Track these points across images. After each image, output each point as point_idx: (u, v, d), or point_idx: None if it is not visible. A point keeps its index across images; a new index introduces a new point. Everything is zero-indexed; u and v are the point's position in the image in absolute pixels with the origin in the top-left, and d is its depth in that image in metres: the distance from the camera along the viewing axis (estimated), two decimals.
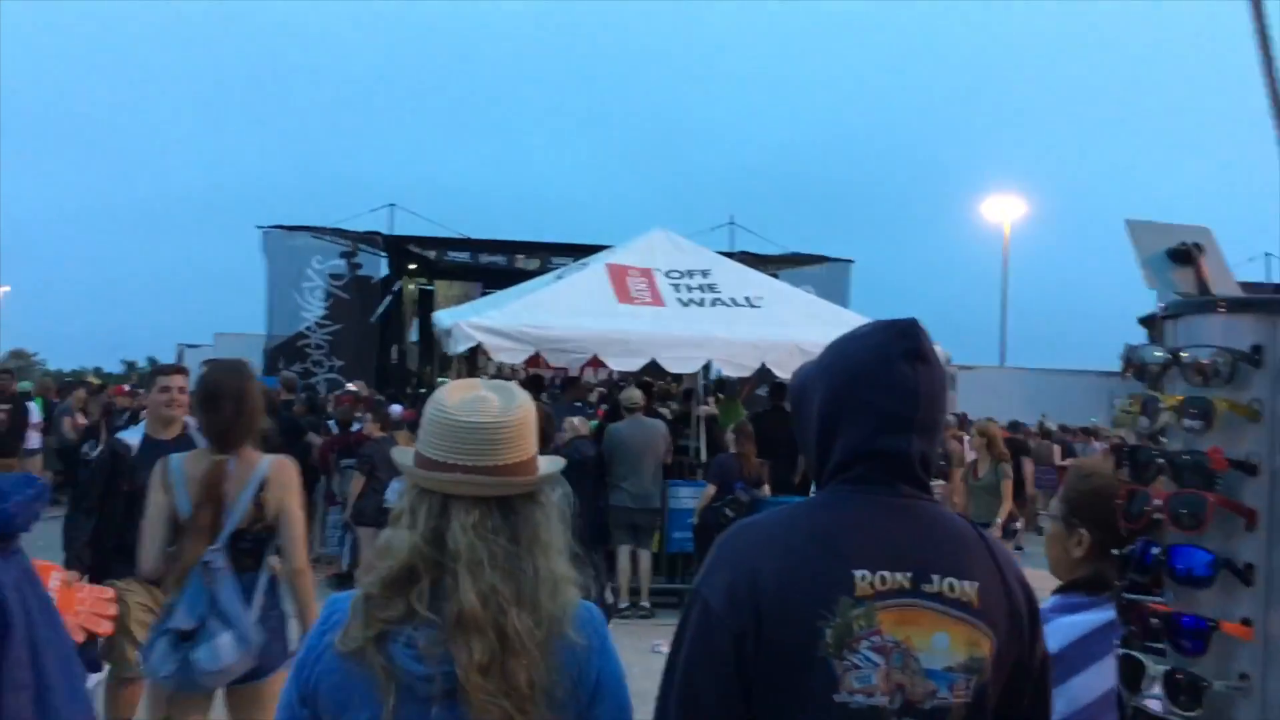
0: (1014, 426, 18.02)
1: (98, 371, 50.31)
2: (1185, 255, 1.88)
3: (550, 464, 1.86)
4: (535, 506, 1.79)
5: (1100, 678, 2.03)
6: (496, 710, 1.65)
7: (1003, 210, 36.75)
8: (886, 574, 1.61)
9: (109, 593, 4.07)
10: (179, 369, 5.44)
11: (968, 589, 1.63)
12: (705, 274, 11.05)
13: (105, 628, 4.06)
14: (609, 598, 8.15)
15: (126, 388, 12.53)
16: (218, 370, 4.01)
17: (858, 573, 1.60)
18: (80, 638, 4.04)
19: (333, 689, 1.70)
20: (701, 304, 10.50)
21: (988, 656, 1.62)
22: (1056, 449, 18.18)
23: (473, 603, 1.66)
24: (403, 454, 1.83)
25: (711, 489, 9.61)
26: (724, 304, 10.52)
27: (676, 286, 10.71)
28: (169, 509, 3.73)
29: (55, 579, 4.15)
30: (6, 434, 12.89)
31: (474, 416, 1.75)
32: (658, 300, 10.44)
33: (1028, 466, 15.87)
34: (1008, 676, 1.67)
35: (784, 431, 11.11)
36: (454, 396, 1.79)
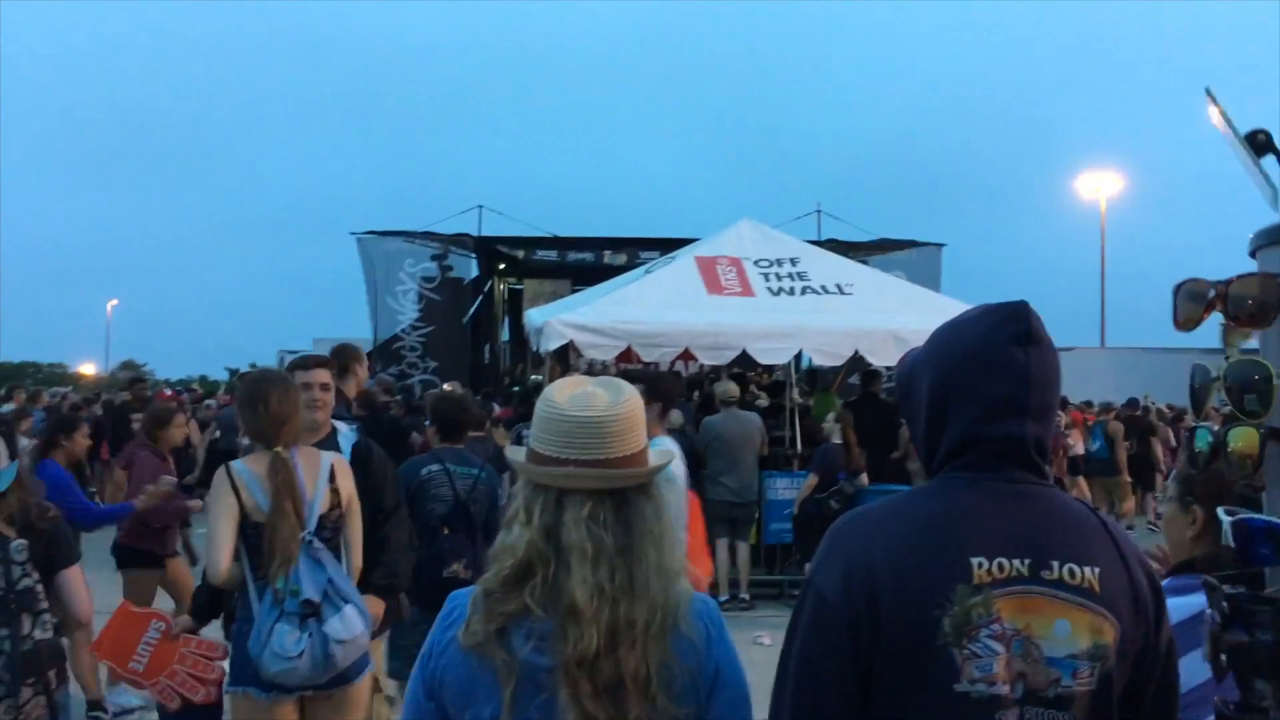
0: (1131, 404, 17.56)
1: (203, 380, 51.89)
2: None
3: (660, 457, 1.88)
4: (647, 499, 1.81)
5: (1202, 664, 1.98)
6: (591, 704, 1.67)
7: (1098, 186, 35.79)
8: (1004, 561, 1.58)
9: (218, 650, 3.95)
10: (321, 360, 4.92)
11: (1088, 575, 1.60)
12: (794, 262, 10.95)
13: (201, 695, 3.89)
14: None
15: (167, 391, 12.06)
16: (255, 376, 4.07)
17: (974, 560, 1.58)
18: (172, 704, 3.91)
19: (458, 682, 1.74)
20: (792, 293, 10.42)
21: (1111, 643, 1.59)
22: (1169, 430, 17.62)
23: (582, 596, 1.68)
24: (516, 451, 1.86)
25: (813, 479, 9.55)
26: (814, 292, 10.41)
27: (766, 276, 10.64)
28: (239, 511, 3.63)
29: (155, 629, 4.09)
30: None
31: (584, 411, 1.77)
32: (748, 290, 10.39)
33: (1157, 448, 15.44)
34: (1133, 663, 1.63)
35: (878, 419, 11.01)
36: (564, 393, 1.82)
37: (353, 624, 3.57)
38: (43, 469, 5.99)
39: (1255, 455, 1.26)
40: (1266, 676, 1.15)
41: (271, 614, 3.54)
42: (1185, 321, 1.50)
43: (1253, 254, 1.47)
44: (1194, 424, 1.46)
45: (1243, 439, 1.24)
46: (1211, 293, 1.40)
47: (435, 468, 5.15)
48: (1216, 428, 1.38)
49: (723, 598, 9.43)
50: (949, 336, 1.76)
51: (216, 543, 3.62)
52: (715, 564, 9.54)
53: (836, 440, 9.83)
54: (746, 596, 9.60)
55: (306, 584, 3.54)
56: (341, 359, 5.99)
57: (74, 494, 6.06)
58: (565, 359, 12.85)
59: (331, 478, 3.80)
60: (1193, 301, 1.48)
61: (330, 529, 3.76)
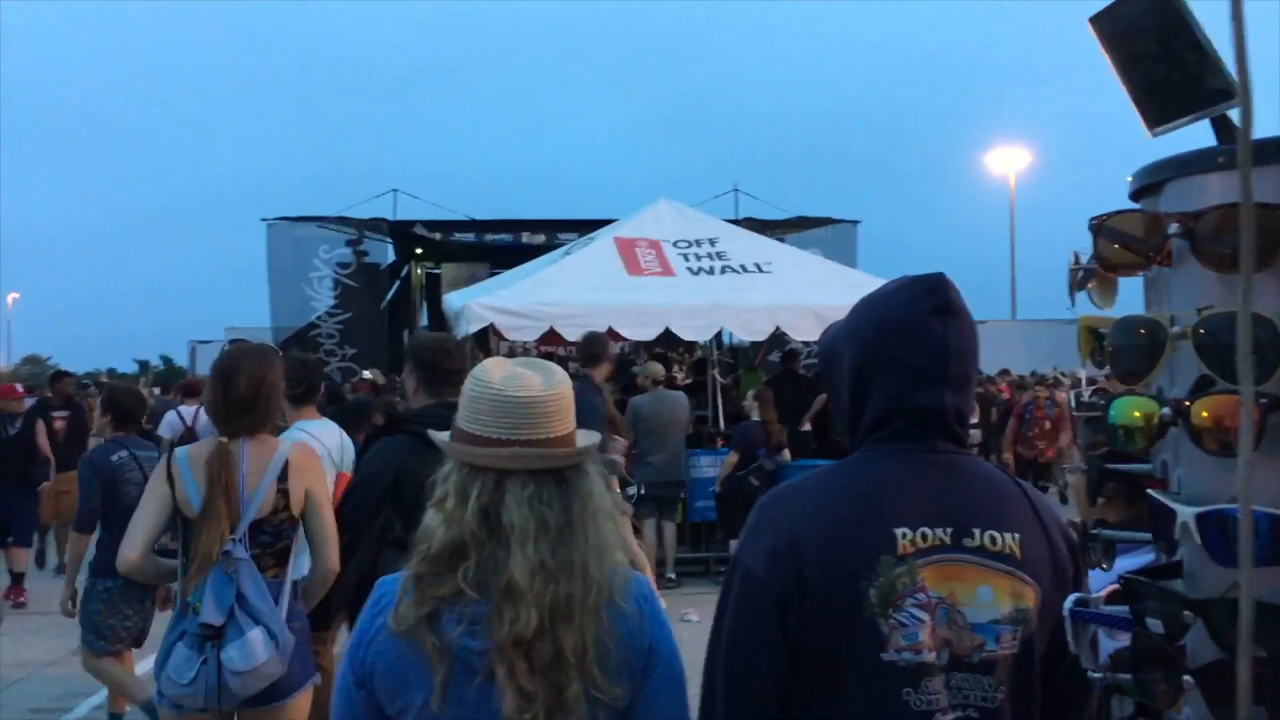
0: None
1: (111, 372, 50.48)
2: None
3: (587, 436, 1.87)
4: (584, 476, 1.81)
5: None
6: (526, 682, 1.66)
7: (1007, 162, 36.52)
8: (927, 530, 1.61)
9: None
10: None
11: (1009, 541, 1.63)
12: (713, 242, 11.03)
13: None
14: None
15: (19, 387, 11.27)
16: (237, 348, 3.73)
17: (898, 530, 1.60)
18: None
19: (388, 669, 1.72)
20: (711, 272, 10.50)
21: (1033, 607, 1.62)
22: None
23: (522, 575, 1.67)
24: (439, 435, 1.83)
25: (734, 457, 9.63)
26: (734, 271, 10.50)
27: (685, 256, 10.71)
28: (169, 500, 3.40)
29: None
30: (66, 445, 11.13)
31: (521, 391, 1.76)
32: (668, 270, 10.44)
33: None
34: (1053, 626, 1.67)
35: (798, 395, 11.16)
36: (495, 373, 1.80)
37: (253, 653, 3.21)
38: None
39: (1146, 429, 1.17)
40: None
41: (175, 630, 3.32)
42: (1113, 266, 1.28)
43: (1134, 195, 1.30)
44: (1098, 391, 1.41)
45: (1137, 410, 1.15)
46: (1174, 226, 1.13)
47: (124, 454, 5.68)
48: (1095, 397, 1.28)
49: (649, 577, 9.49)
50: (869, 309, 1.78)
51: (132, 529, 3.42)
52: (642, 543, 9.61)
53: (756, 418, 9.93)
54: (673, 575, 9.65)
55: (208, 603, 3.24)
56: (592, 348, 7.24)
57: None
58: (485, 342, 12.77)
59: (283, 476, 3.47)
60: (1135, 238, 1.24)
61: (271, 533, 3.45)
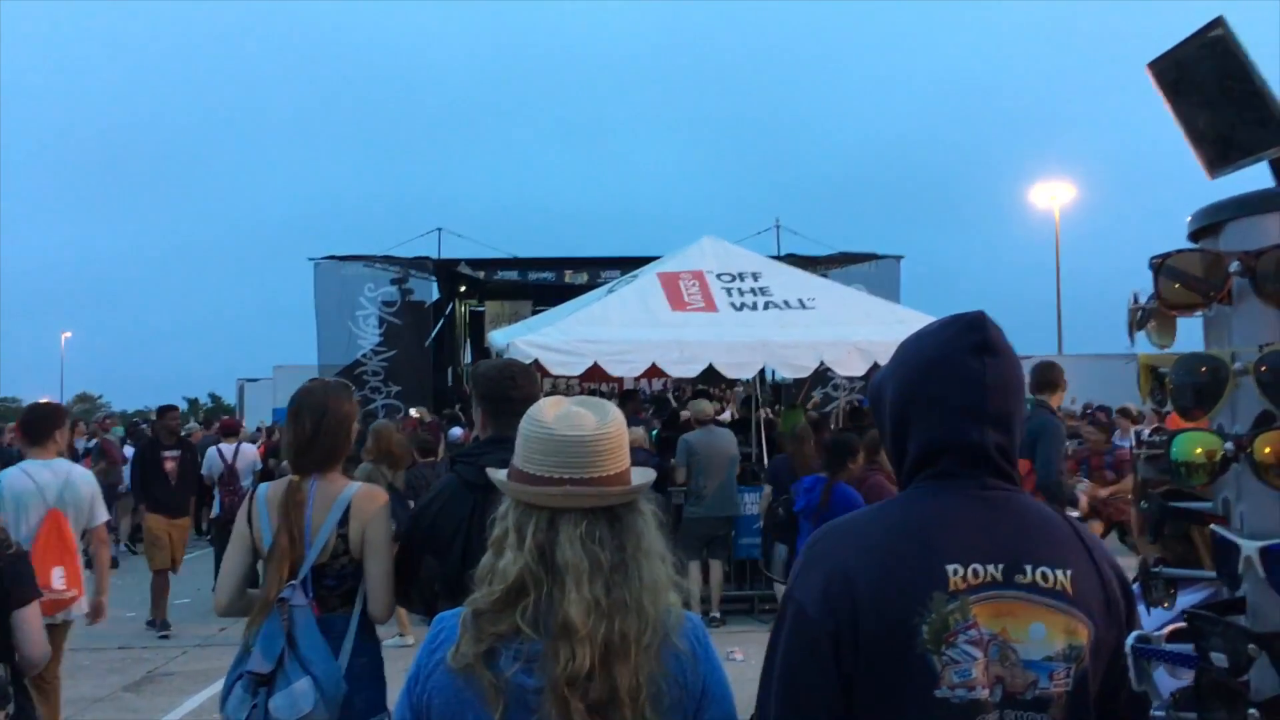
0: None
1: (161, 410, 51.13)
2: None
3: (642, 474, 1.88)
4: (637, 515, 1.82)
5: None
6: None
7: (1052, 196, 36.28)
8: (979, 567, 1.60)
9: None
10: None
11: (1061, 577, 1.62)
12: (756, 277, 11.02)
13: None
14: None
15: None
16: (311, 384, 3.68)
17: (949, 567, 1.60)
18: None
19: (445, 704, 1.74)
20: (755, 308, 10.48)
21: (1086, 644, 1.61)
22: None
23: (578, 613, 1.68)
24: (497, 473, 1.86)
25: (768, 490, 9.59)
26: (777, 306, 10.48)
27: (729, 290, 10.69)
28: (250, 540, 3.43)
29: None
30: (179, 488, 10.57)
31: (574, 430, 1.78)
32: (711, 305, 10.43)
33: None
34: (1107, 663, 1.66)
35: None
36: (550, 412, 1.83)
37: (299, 703, 3.18)
38: None
39: (1208, 466, 1.15)
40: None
41: (235, 670, 3.32)
42: (1174, 305, 1.26)
43: (1193, 236, 1.31)
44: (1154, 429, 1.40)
45: (1200, 446, 1.14)
46: (1235, 264, 1.12)
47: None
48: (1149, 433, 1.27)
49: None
50: (910, 348, 1.80)
51: (222, 572, 3.49)
52: (689, 581, 9.55)
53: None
54: (718, 614, 9.60)
55: (257, 651, 3.25)
56: (1048, 374, 6.90)
57: None
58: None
59: (344, 520, 3.42)
60: (1195, 277, 1.21)
61: (335, 577, 3.42)
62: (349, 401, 3.64)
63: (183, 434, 11.82)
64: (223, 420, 14.23)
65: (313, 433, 3.46)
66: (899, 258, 20.38)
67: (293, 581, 3.32)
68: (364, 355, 19.13)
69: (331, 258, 19.63)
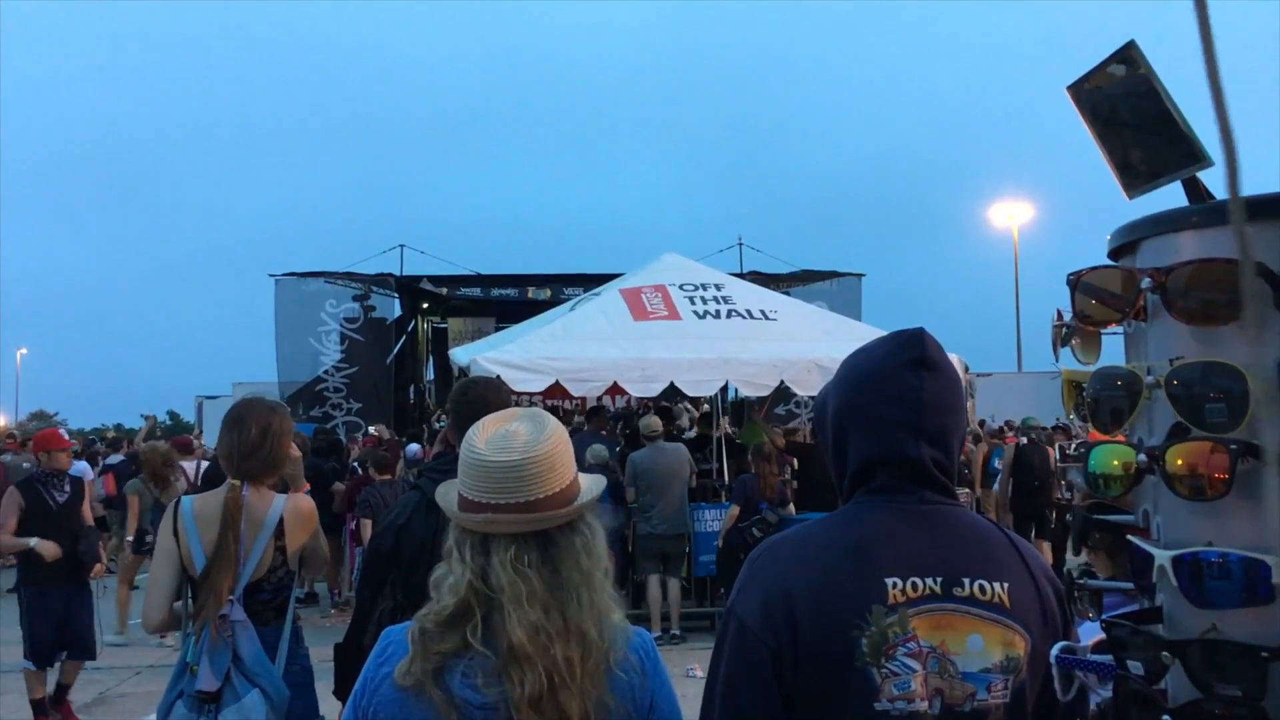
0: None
1: (119, 428, 50.55)
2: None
3: (594, 484, 1.88)
4: (574, 536, 1.80)
5: None
6: None
7: (1010, 215, 36.70)
8: (917, 580, 1.62)
9: None
10: None
11: (998, 590, 1.64)
12: (719, 287, 11.09)
13: None
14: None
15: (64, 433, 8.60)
16: (251, 399, 3.76)
17: (889, 581, 1.61)
18: None
19: (391, 719, 1.73)
20: (718, 315, 10.49)
21: (1023, 655, 1.63)
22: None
23: (520, 637, 1.67)
24: (445, 494, 1.86)
25: (735, 510, 9.59)
26: (740, 315, 10.50)
27: (691, 299, 10.72)
28: (177, 555, 3.41)
29: None
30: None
31: (501, 455, 1.76)
32: (674, 313, 10.45)
33: None
34: (1045, 674, 1.67)
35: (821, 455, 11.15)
36: (485, 433, 1.81)
37: (251, 716, 3.23)
38: None
39: (1124, 477, 1.17)
40: None
41: (175, 689, 3.33)
42: (1091, 321, 1.27)
43: (1113, 254, 1.30)
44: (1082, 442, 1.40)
45: (1116, 458, 1.16)
46: (1147, 281, 1.13)
47: None
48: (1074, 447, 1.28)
49: (655, 633, 9.42)
50: (851, 363, 1.83)
51: (150, 588, 3.45)
52: (648, 600, 9.55)
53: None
54: (679, 631, 9.59)
55: (204, 669, 3.27)
56: None
57: None
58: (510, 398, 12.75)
59: (279, 532, 3.47)
60: (1112, 293, 1.23)
61: (270, 590, 3.47)
62: (289, 419, 3.72)
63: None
64: (175, 439, 13.94)
65: (259, 439, 3.50)
66: (860, 275, 20.57)
67: (231, 597, 3.34)
68: (325, 372, 19.00)
69: (292, 274, 19.51)
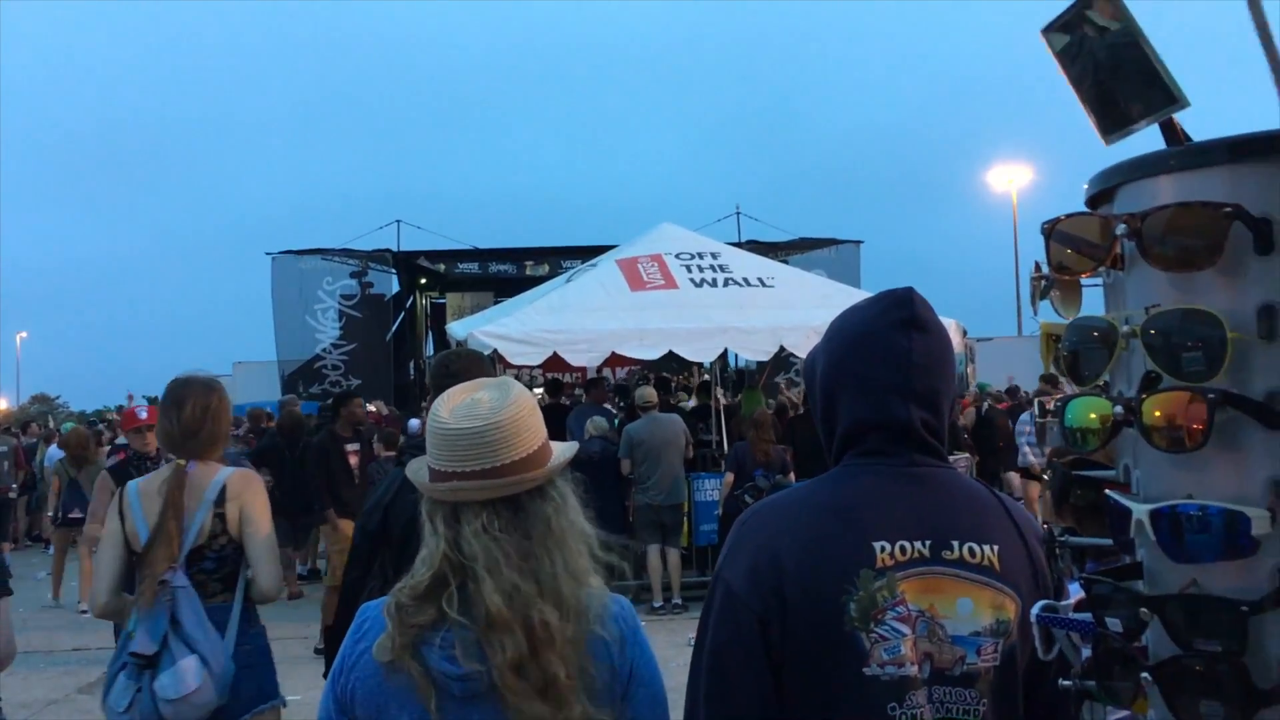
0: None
1: (120, 409, 50.60)
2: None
3: (566, 449, 1.86)
4: (544, 501, 1.78)
5: None
6: (533, 707, 1.65)
7: (1010, 179, 36.54)
8: (906, 544, 1.60)
9: None
10: None
11: (988, 553, 1.63)
12: (715, 255, 11.05)
13: None
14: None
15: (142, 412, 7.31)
16: (188, 376, 3.71)
17: (877, 544, 1.60)
18: None
19: (369, 695, 1.72)
20: (715, 284, 10.47)
21: (1013, 619, 1.62)
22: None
23: (497, 603, 1.66)
24: (417, 470, 1.84)
25: (730, 477, 9.59)
26: (736, 284, 10.47)
27: (688, 268, 10.69)
28: (123, 536, 3.42)
29: None
30: (362, 484, 8.67)
31: (464, 423, 1.74)
32: (671, 283, 10.41)
33: None
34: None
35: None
36: (449, 403, 1.80)
37: (184, 681, 3.19)
38: None
39: (1100, 431, 1.13)
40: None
41: (118, 660, 3.32)
42: (1068, 271, 1.23)
43: (1090, 202, 1.27)
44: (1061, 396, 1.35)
45: (1092, 411, 1.13)
46: (1122, 227, 1.09)
47: None
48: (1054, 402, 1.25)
49: (656, 603, 9.45)
50: (840, 324, 1.80)
51: (97, 571, 3.46)
52: (648, 570, 9.57)
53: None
54: (680, 600, 9.61)
55: (140, 632, 3.25)
56: None
57: None
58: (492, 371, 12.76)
59: (220, 499, 3.47)
60: (1088, 241, 1.19)
61: (214, 558, 3.45)
62: (225, 395, 3.76)
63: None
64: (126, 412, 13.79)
65: (200, 417, 3.52)
66: (858, 243, 20.55)
67: (172, 566, 3.33)
68: (323, 349, 19.02)
69: (289, 252, 19.50)
